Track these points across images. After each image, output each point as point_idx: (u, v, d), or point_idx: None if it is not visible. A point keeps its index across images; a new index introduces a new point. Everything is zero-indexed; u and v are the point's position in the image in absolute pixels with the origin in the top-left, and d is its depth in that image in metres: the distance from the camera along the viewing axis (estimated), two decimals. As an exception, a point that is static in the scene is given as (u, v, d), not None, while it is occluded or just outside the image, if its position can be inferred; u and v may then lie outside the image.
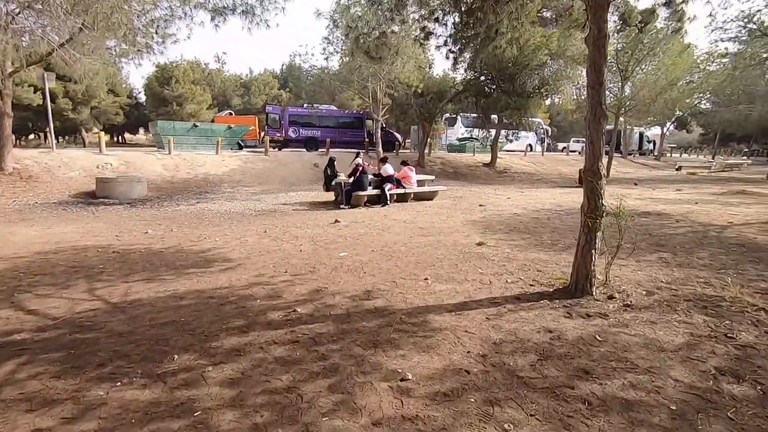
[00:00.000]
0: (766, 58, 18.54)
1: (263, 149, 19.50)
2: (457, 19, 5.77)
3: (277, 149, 22.59)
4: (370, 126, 22.51)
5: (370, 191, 10.50)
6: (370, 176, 10.70)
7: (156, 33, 8.67)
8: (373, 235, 6.92)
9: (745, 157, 39.02)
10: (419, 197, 11.70)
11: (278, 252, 5.81)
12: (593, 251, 3.97)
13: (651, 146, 39.59)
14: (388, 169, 10.79)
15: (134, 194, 11.61)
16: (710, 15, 8.04)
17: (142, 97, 47.37)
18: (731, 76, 19.62)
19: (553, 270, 4.86)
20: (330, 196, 11.79)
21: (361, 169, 10.29)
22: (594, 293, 3.96)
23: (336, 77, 14.90)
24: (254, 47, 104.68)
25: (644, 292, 4.09)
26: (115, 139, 49.26)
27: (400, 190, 10.96)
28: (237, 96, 53.19)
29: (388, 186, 10.54)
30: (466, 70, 18.53)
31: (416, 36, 6.23)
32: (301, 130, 22.96)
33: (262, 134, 24.76)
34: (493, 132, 22.10)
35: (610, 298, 3.91)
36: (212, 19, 5.76)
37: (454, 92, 19.15)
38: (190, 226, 7.81)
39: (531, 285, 4.33)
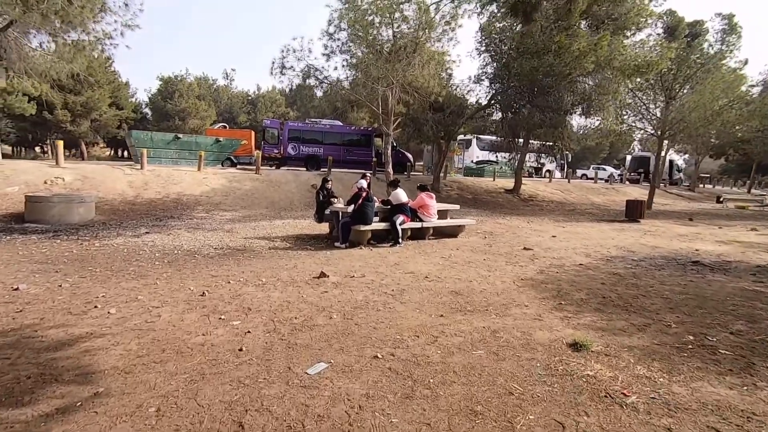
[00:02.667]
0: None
1: (266, 167, 17.03)
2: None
3: (274, 167, 20.15)
4: (379, 144, 20.02)
5: (376, 224, 7.80)
6: (377, 204, 8.03)
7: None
8: (378, 308, 4.15)
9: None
10: (439, 232, 8.97)
11: (196, 354, 3.05)
12: None
13: (681, 176, 36.73)
14: (400, 196, 8.09)
15: (73, 218, 9.01)
16: None
17: (150, 112, 46.11)
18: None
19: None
20: (324, 227, 9.11)
21: (364, 194, 7.61)
22: None
23: (339, 84, 12.42)
24: (263, 66, 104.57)
25: None
26: (119, 153, 47.58)
27: (416, 224, 8.22)
28: (243, 113, 51.79)
29: (400, 218, 7.82)
30: (491, 83, 16.09)
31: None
32: (301, 146, 20.50)
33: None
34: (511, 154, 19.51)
35: None
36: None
37: (475, 108, 16.63)
38: (98, 276, 5.11)
39: None
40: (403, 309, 4.15)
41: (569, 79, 13.83)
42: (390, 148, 13.72)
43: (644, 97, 19.40)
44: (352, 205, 7.58)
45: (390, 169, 13.61)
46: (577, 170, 42.24)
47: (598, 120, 17.09)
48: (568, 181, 26.26)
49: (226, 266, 5.79)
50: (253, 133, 22.62)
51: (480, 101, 16.27)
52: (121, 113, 38.50)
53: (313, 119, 22.93)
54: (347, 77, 12.39)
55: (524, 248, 7.76)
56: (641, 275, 5.97)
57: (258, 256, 6.53)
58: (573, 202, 20.45)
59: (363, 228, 7.47)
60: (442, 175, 18.45)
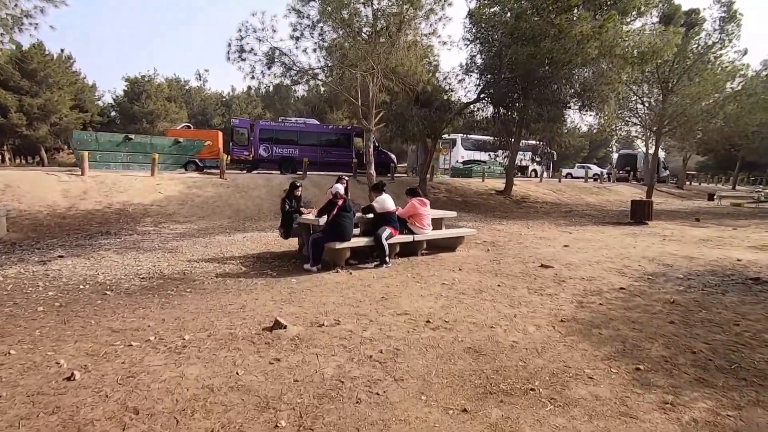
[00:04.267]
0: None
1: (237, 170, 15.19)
2: None
3: (245, 171, 18.29)
4: (360, 144, 18.40)
5: (356, 240, 6.16)
6: (357, 213, 6.41)
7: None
8: (358, 396, 2.52)
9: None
10: (433, 245, 7.39)
11: None
12: None
13: (668, 173, 36.25)
14: (387, 203, 6.48)
15: (-28, 238, 7.11)
16: None
17: (118, 115, 43.42)
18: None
19: None
20: (293, 243, 7.42)
21: (340, 202, 5.96)
22: None
23: (311, 72, 10.71)
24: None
25: None
26: (84, 159, 44.60)
27: (407, 238, 6.62)
28: (218, 115, 49.54)
29: (386, 231, 6.19)
30: (481, 74, 14.67)
31: None
32: (274, 148, 18.70)
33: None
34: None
35: None
36: None
37: (464, 102, 15.20)
38: (-70, 338, 3.33)
39: None
40: (399, 396, 2.53)
41: (568, 68, 12.50)
42: (372, 147, 12.12)
43: (639, 91, 18.35)
44: (325, 216, 5.94)
45: (372, 171, 11.99)
46: (562, 169, 41.46)
47: (593, 114, 15.84)
48: (559, 181, 25.17)
49: (143, 310, 4.06)
50: (220, 133, 20.66)
51: (469, 95, 14.84)
52: (84, 116, 36.01)
53: (286, 117, 21.12)
54: (320, 63, 10.71)
55: (541, 265, 6.24)
56: (707, 304, 4.51)
57: (196, 290, 4.81)
58: (568, 203, 19.23)
59: (339, 245, 5.82)
60: (428, 176, 16.94)
